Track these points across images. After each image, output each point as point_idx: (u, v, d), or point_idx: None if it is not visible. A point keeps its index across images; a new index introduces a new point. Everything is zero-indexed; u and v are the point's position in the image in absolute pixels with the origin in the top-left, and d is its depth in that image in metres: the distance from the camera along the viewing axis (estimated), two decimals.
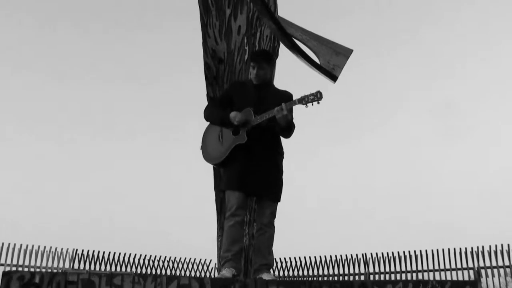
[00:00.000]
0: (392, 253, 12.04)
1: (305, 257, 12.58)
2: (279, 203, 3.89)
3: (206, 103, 5.07)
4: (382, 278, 11.67)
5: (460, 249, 11.59)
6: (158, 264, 12.56)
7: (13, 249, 11.63)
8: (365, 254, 12.17)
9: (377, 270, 12.02)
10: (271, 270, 3.85)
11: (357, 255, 12.24)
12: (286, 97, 3.90)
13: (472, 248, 11.49)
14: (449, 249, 11.72)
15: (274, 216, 3.88)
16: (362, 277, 11.74)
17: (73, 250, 12.06)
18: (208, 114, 4.03)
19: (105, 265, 12.17)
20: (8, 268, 11.20)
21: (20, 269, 11.32)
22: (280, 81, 5.31)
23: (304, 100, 3.66)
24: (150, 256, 12.55)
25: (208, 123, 4.07)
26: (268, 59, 4.04)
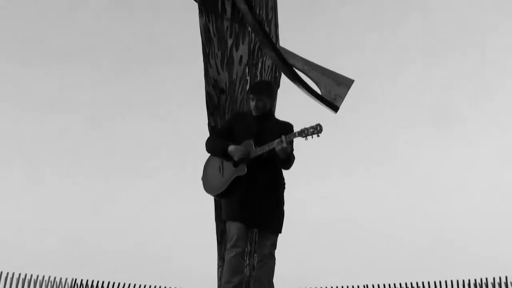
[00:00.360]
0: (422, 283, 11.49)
1: None
2: (280, 234, 3.88)
3: (206, 132, 5.10)
4: None
5: None
6: None
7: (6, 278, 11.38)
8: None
9: None
10: None
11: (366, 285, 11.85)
12: (286, 129, 3.92)
13: None
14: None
15: (275, 248, 3.87)
16: None
17: (72, 279, 11.92)
18: (209, 145, 4.05)
19: None
20: None
21: None
22: (282, 111, 5.34)
23: (304, 133, 3.68)
24: (150, 286, 12.40)
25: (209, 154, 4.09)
26: (267, 90, 4.07)
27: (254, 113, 4.02)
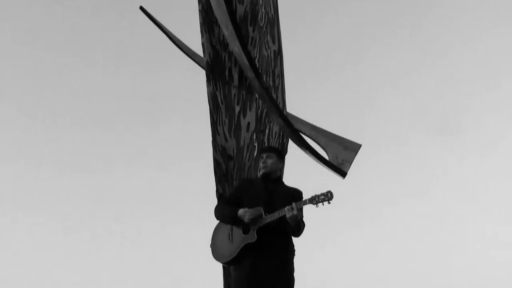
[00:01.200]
0: None
1: None
2: None
3: (215, 200, 5.11)
4: None
5: None
6: None
7: None
8: None
9: None
10: None
11: None
12: (296, 195, 3.93)
13: None
14: None
15: None
16: None
17: None
18: (218, 212, 4.05)
19: None
20: None
21: None
22: (289, 176, 5.35)
23: (315, 200, 3.68)
24: None
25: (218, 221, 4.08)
26: (277, 150, 4.17)
27: (263, 171, 4.04)
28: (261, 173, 4.09)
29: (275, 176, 4.09)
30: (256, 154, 5.26)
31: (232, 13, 4.80)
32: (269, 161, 4.05)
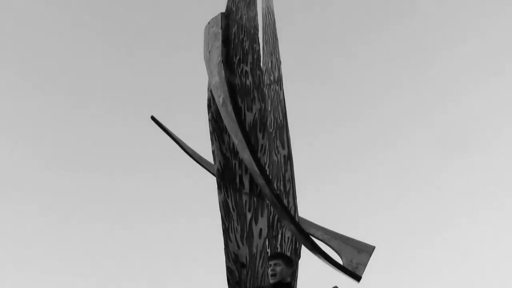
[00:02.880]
0: None
1: None
2: None
3: None
4: None
5: None
6: None
7: None
8: None
9: None
10: None
11: None
12: None
13: None
14: None
15: None
16: None
17: None
18: None
19: None
20: None
21: None
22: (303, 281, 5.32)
23: None
24: None
25: None
26: (283, 256, 4.16)
27: (271, 280, 4.03)
28: (271, 282, 4.09)
29: (285, 282, 4.08)
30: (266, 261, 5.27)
31: (241, 122, 5.03)
32: (278, 268, 4.07)
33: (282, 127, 6.46)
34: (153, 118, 7.87)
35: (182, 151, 7.67)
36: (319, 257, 5.32)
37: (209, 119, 5.81)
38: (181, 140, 7.67)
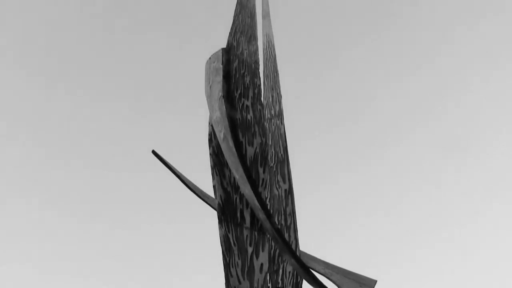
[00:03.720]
0: None
1: None
2: None
3: None
4: None
5: None
6: None
7: None
8: None
9: None
10: None
11: None
12: None
13: None
14: None
15: None
16: None
17: None
18: None
19: None
20: None
21: None
22: None
23: None
24: None
25: None
26: None
27: None
28: None
29: None
30: None
31: (242, 157, 5.08)
32: None
33: (283, 161, 6.51)
34: (154, 152, 7.93)
35: (184, 185, 7.71)
36: None
37: (210, 154, 5.87)
38: (182, 174, 7.71)
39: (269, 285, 5.46)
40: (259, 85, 6.38)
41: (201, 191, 7.51)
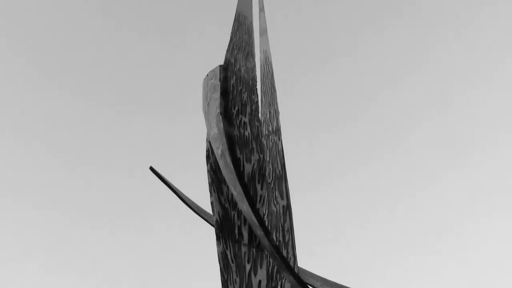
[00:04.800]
0: None
1: None
2: None
3: None
4: None
5: None
6: None
7: None
8: None
9: None
10: None
11: None
12: None
13: None
14: None
15: None
16: None
17: None
18: None
19: None
20: None
21: None
22: None
23: None
24: None
25: None
26: None
27: None
28: None
29: None
30: None
31: (239, 174, 5.10)
32: None
33: (281, 178, 6.53)
34: (151, 168, 7.94)
35: (181, 202, 7.71)
36: None
37: (207, 170, 5.88)
38: (180, 191, 7.72)
39: None
40: (257, 101, 6.42)
41: (199, 208, 7.52)
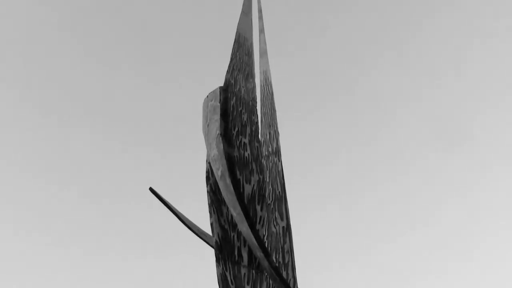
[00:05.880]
0: None
1: None
2: None
3: None
4: None
5: None
6: None
7: None
8: None
9: None
10: None
11: None
12: None
13: None
14: None
15: None
16: None
17: None
18: None
19: None
20: None
21: None
22: None
23: None
24: None
25: None
26: None
27: None
28: None
29: None
30: None
31: (239, 195, 5.11)
32: None
33: (281, 199, 6.53)
34: (151, 189, 7.93)
35: (181, 223, 7.68)
36: None
37: (207, 191, 5.89)
38: (179, 212, 7.70)
39: None
40: (257, 122, 6.45)
41: (199, 229, 7.49)
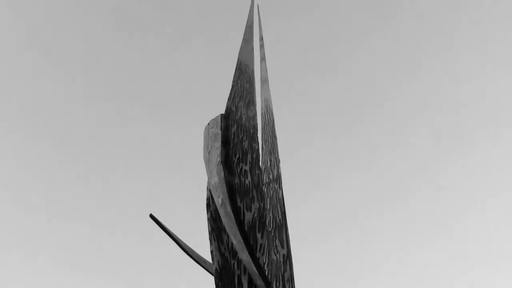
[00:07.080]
0: None
1: None
2: None
3: None
4: None
5: None
6: None
7: None
8: None
9: None
10: None
11: None
12: None
13: None
14: None
15: None
16: None
17: None
18: None
19: None
20: None
21: None
22: None
23: None
24: None
25: None
26: None
27: None
28: None
29: None
30: None
31: (240, 223, 5.12)
32: None
33: (281, 226, 6.53)
34: (151, 216, 7.93)
35: (181, 250, 7.66)
36: None
37: (208, 219, 5.89)
38: (179, 239, 7.69)
39: None
40: (258, 149, 6.48)
41: (199, 256, 7.47)
